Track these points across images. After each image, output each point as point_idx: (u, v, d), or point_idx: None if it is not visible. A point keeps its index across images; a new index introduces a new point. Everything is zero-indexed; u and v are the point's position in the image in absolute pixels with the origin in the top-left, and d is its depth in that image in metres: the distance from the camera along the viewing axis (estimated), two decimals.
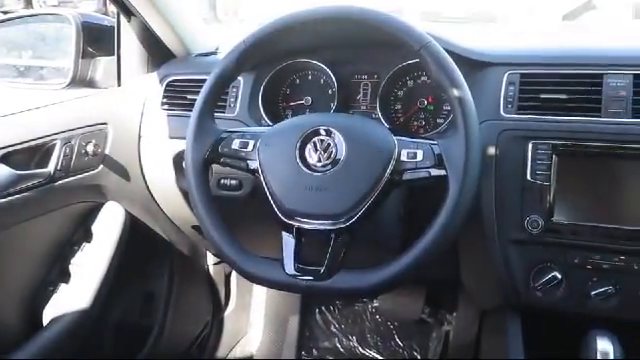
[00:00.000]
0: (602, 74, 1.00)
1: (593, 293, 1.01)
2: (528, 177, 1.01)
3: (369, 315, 1.95)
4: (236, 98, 1.25)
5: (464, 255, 1.23)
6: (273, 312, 1.96)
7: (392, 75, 1.18)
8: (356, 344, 1.92)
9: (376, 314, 1.94)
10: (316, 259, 0.92)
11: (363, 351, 1.90)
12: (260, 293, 1.98)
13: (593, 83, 1.01)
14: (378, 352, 1.90)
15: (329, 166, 0.91)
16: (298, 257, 0.91)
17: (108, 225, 1.37)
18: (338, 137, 0.91)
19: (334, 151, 0.91)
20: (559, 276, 1.02)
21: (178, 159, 1.30)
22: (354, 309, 1.97)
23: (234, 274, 1.92)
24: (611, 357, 0.89)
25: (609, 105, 0.99)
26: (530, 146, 1.01)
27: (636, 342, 1.03)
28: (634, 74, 0.99)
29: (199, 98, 1.00)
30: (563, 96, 1.02)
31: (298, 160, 0.92)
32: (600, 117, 0.99)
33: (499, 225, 1.03)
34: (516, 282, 1.05)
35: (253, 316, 2.00)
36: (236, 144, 0.98)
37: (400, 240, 1.09)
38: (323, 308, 1.98)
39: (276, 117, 1.25)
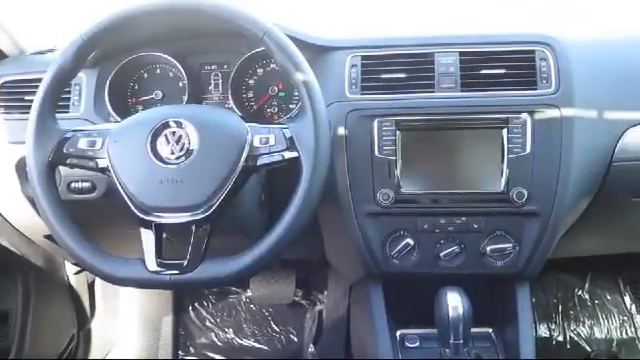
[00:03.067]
0: (433, 53, 1.09)
1: (442, 254, 1.10)
2: (376, 153, 1.07)
3: (243, 305, 1.97)
4: (80, 96, 1.19)
5: (326, 234, 1.28)
6: (144, 315, 1.91)
7: (241, 64, 1.19)
8: (233, 335, 1.92)
9: (250, 303, 1.96)
10: (179, 252, 0.92)
11: (241, 341, 1.92)
12: (129, 298, 1.92)
13: (425, 62, 1.09)
14: (256, 340, 1.92)
15: (183, 158, 0.90)
16: (160, 252, 0.91)
17: None
18: (189, 128, 0.91)
19: (186, 142, 0.90)
20: (412, 242, 1.10)
21: (21, 165, 1.21)
22: (228, 301, 1.98)
23: (98, 281, 1.83)
24: (460, 309, 0.98)
25: (441, 81, 1.08)
26: (376, 124, 1.07)
27: (480, 292, 1.15)
28: (459, 52, 1.08)
29: (36, 98, 0.94)
30: (401, 75, 1.09)
31: (150, 154, 0.91)
32: (434, 92, 1.07)
33: (354, 200, 1.08)
34: (374, 252, 1.11)
35: (123, 323, 1.92)
36: (83, 143, 0.94)
37: (263, 225, 1.12)
38: (196, 304, 1.96)
39: (126, 114, 1.20)
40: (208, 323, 1.95)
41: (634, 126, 1.09)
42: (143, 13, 0.94)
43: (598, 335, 1.91)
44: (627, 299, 1.96)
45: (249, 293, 1.93)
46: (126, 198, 0.91)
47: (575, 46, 1.11)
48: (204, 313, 1.96)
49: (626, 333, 1.91)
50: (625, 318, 1.93)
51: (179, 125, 0.92)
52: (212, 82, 1.24)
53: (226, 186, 0.89)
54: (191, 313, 1.95)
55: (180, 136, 0.91)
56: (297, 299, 1.92)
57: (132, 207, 0.91)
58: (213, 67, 1.25)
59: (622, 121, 1.10)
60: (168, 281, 0.90)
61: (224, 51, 1.23)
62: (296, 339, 1.91)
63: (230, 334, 1.93)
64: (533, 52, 1.08)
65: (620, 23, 1.26)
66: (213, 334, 1.93)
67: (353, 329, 1.60)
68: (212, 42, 1.22)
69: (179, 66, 1.20)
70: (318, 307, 1.92)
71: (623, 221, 1.33)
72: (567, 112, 1.04)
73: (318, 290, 1.92)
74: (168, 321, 1.89)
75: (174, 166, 0.90)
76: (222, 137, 0.91)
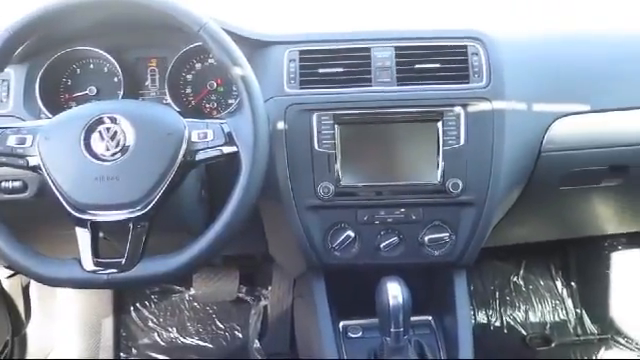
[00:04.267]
0: (369, 48, 1.11)
1: (382, 245, 1.12)
2: (316, 147, 1.08)
3: (187, 304, 1.95)
4: (8, 92, 1.15)
5: (268, 228, 1.28)
6: (84, 317, 1.86)
7: (178, 59, 1.18)
8: (176, 335, 1.90)
9: (193, 301, 1.94)
10: (117, 251, 0.90)
11: (185, 340, 1.90)
12: (66, 300, 1.86)
13: (362, 56, 1.10)
14: (200, 338, 1.91)
15: (118, 154, 0.89)
16: (96, 252, 0.89)
17: None
18: (124, 124, 0.89)
19: (122, 138, 0.89)
20: (352, 234, 1.12)
21: None
22: (171, 300, 1.95)
23: (33, 284, 1.77)
24: (400, 298, 1.00)
25: (378, 75, 1.10)
26: (315, 118, 1.08)
27: (420, 281, 1.18)
28: (395, 46, 1.11)
29: None
30: (339, 69, 1.10)
31: (84, 151, 0.89)
32: (371, 86, 1.09)
33: (295, 194, 1.09)
34: (316, 245, 1.12)
35: (62, 325, 1.87)
36: (12, 141, 0.91)
37: (203, 221, 1.11)
38: (138, 305, 1.92)
39: (58, 110, 1.16)
40: (150, 323, 1.92)
41: (560, 118, 1.15)
42: (74, 6, 0.91)
43: (532, 319, 1.99)
44: (558, 284, 2.06)
45: (192, 291, 1.91)
46: (60, 197, 0.89)
47: (505, 42, 1.15)
48: (146, 313, 1.93)
49: (558, 316, 2.00)
50: (557, 302, 2.03)
51: (113, 121, 0.90)
52: (149, 77, 1.22)
53: (164, 182, 0.88)
54: (132, 313, 1.91)
55: (115, 132, 0.89)
56: (241, 295, 1.92)
57: (66, 206, 0.89)
58: (150, 62, 1.22)
59: (549, 113, 1.15)
60: (106, 280, 0.88)
61: (161, 46, 1.21)
62: (241, 335, 1.90)
63: (173, 333, 1.90)
64: (465, 47, 1.11)
65: (546, 22, 1.31)
66: (156, 334, 1.90)
67: (297, 323, 1.61)
68: (148, 36, 1.20)
69: (113, 61, 1.17)
70: (263, 303, 1.92)
71: (552, 209, 1.40)
72: (498, 105, 1.08)
73: (262, 286, 1.92)
74: (108, 322, 1.85)
75: (109, 163, 0.88)
76: (159, 132, 0.90)
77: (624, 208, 1.49)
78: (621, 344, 1.91)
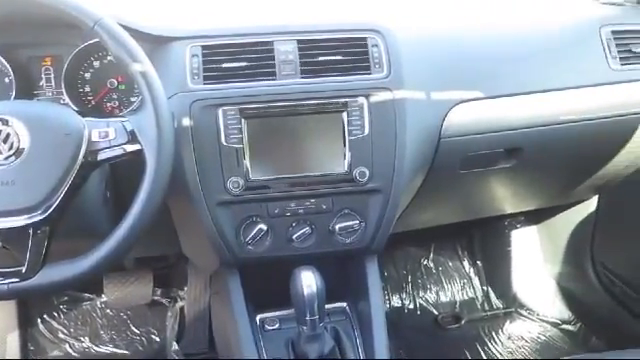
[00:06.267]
0: (272, 41, 1.12)
1: (295, 236, 1.13)
2: (223, 142, 1.07)
3: (99, 311, 1.88)
4: None
5: (180, 227, 1.26)
6: None
7: (75, 57, 1.13)
8: (89, 344, 1.83)
9: (106, 308, 1.87)
10: (17, 260, 0.86)
11: (98, 349, 1.83)
12: None
13: (266, 50, 1.11)
14: (115, 346, 1.85)
15: (12, 157, 0.84)
16: None
17: None
18: (17, 125, 0.85)
19: (15, 141, 0.84)
20: (265, 227, 1.12)
21: None
22: (82, 309, 1.88)
23: None
24: (314, 286, 1.02)
25: (282, 69, 1.11)
26: (221, 113, 1.07)
27: (334, 270, 1.21)
28: (297, 40, 1.12)
29: None
30: (243, 64, 1.10)
31: None
32: (276, 80, 1.10)
33: (204, 190, 1.08)
34: (228, 241, 1.12)
35: None
36: None
37: (109, 223, 1.07)
38: (46, 316, 1.84)
39: None
40: (61, 334, 1.83)
41: (456, 105, 1.21)
42: None
43: (443, 299, 2.09)
44: (465, 264, 2.17)
45: (104, 298, 1.84)
46: None
47: (404, 34, 1.19)
48: (55, 324, 1.84)
49: (466, 294, 2.11)
50: (465, 281, 2.14)
51: (5, 123, 0.85)
52: (43, 77, 1.17)
53: (64, 184, 0.85)
54: (40, 326, 1.82)
55: (8, 134, 0.85)
56: (156, 298, 1.87)
57: None
58: (44, 61, 1.17)
59: (446, 101, 1.21)
60: (6, 290, 0.84)
61: (55, 43, 1.16)
62: (158, 339, 1.86)
63: (86, 343, 1.83)
64: (365, 39, 1.14)
65: (442, 15, 1.37)
66: (67, 345, 1.82)
67: (214, 320, 1.60)
68: (41, 34, 1.14)
69: (3, 61, 1.11)
70: (179, 303, 1.88)
71: (455, 192, 1.47)
72: (399, 94, 1.12)
73: (178, 286, 1.89)
74: (14, 337, 1.75)
75: (3, 167, 0.84)
76: (56, 133, 0.86)
77: (520, 188, 1.59)
78: (524, 316, 2.04)
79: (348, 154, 1.11)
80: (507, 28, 1.35)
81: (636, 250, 1.66)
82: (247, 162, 1.09)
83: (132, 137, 0.89)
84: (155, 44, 1.10)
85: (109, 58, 1.17)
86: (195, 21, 1.20)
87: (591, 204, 1.79)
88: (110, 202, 1.10)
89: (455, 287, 2.12)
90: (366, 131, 1.11)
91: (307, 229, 1.14)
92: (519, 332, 1.97)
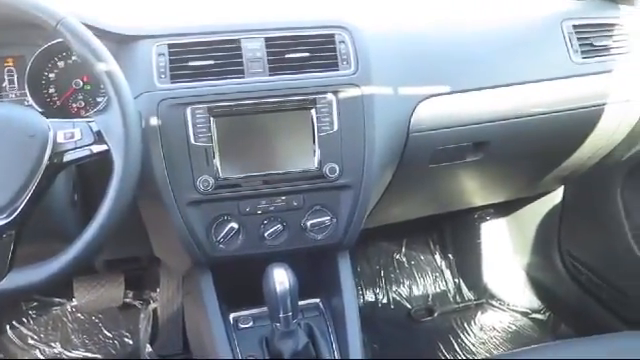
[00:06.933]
0: (239, 39, 1.11)
1: (266, 234, 1.13)
2: (192, 141, 1.07)
3: (70, 316, 1.85)
4: None
5: (151, 228, 1.25)
6: None
7: (38, 57, 1.11)
8: (61, 349, 1.80)
9: (77, 312, 1.85)
10: None
11: (70, 354, 1.81)
12: None
13: (233, 48, 1.11)
14: (87, 350, 1.82)
15: None
16: None
17: None
18: None
19: None
20: (236, 226, 1.12)
21: None
22: (52, 314, 1.85)
23: None
24: (286, 283, 1.02)
25: (250, 67, 1.11)
26: (189, 112, 1.07)
27: (306, 266, 1.21)
28: (265, 37, 1.12)
29: None
30: (210, 62, 1.09)
31: None
32: (244, 78, 1.10)
33: (174, 190, 1.07)
34: (200, 240, 1.11)
35: None
36: None
37: (77, 225, 1.06)
38: (15, 322, 1.80)
39: None
40: (30, 340, 1.80)
41: (424, 100, 1.22)
42: None
43: (416, 292, 2.12)
44: (437, 257, 2.20)
45: (74, 302, 1.81)
46: None
47: (371, 31, 1.20)
48: (25, 331, 1.81)
49: (439, 287, 2.14)
50: (437, 274, 2.16)
51: None
52: (6, 78, 1.14)
53: (30, 187, 0.84)
54: (9, 332, 1.78)
55: None
56: (128, 300, 1.86)
57: None
58: (5, 62, 1.14)
59: (414, 96, 1.22)
60: None
61: (18, 44, 1.13)
62: (131, 342, 1.84)
63: (57, 348, 1.80)
64: (333, 36, 1.15)
65: (408, 12, 1.38)
66: (37, 351, 1.79)
67: (188, 321, 1.59)
68: (2, 34, 1.11)
69: None
70: (152, 305, 1.87)
71: (425, 186, 1.49)
72: (367, 90, 1.13)
73: (150, 288, 1.88)
74: None
75: None
76: (19, 135, 0.85)
77: (488, 181, 1.62)
78: (495, 307, 2.08)
79: (318, 151, 1.11)
80: (472, 24, 1.37)
81: (600, 238, 1.71)
82: (217, 161, 1.08)
83: (99, 137, 0.88)
84: (121, 43, 1.09)
85: (74, 58, 1.15)
86: (161, 19, 1.19)
87: (557, 195, 1.83)
88: (78, 204, 1.08)
89: (427, 280, 2.14)
90: (335, 127, 1.11)
91: (279, 226, 1.14)
92: (490, 322, 2.01)
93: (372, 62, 1.15)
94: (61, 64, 1.16)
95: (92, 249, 0.86)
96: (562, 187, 1.81)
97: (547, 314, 1.99)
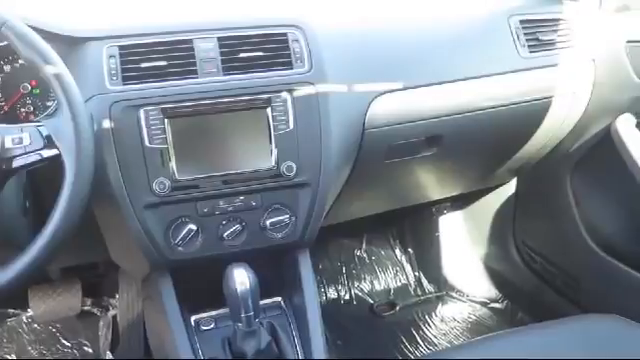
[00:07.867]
0: (191, 39, 1.10)
1: (225, 234, 1.13)
2: (147, 143, 1.05)
3: (25, 326, 1.81)
4: None
5: (107, 233, 1.23)
6: None
7: None
8: None
9: (33, 323, 1.80)
10: None
11: None
12: None
13: (185, 48, 1.10)
14: None
15: None
16: None
17: None
18: None
19: None
20: (194, 227, 1.11)
21: None
22: (6, 326, 1.80)
23: None
24: (247, 283, 1.02)
25: (203, 67, 1.10)
26: (142, 114, 1.05)
27: (267, 265, 1.21)
28: (218, 37, 1.11)
29: None
30: (162, 63, 1.08)
31: None
32: (198, 78, 1.09)
33: (129, 193, 1.05)
34: (158, 243, 1.10)
35: None
36: None
37: (29, 233, 1.03)
38: None
39: None
40: None
41: (377, 96, 1.24)
42: None
43: (378, 287, 2.14)
44: (397, 251, 2.23)
45: (30, 312, 1.77)
46: None
47: (324, 29, 1.21)
48: None
49: (400, 281, 2.17)
50: (398, 268, 2.19)
51: None
52: None
53: None
54: None
55: None
56: (87, 308, 1.82)
57: None
58: None
59: (368, 93, 1.24)
60: None
61: None
62: (91, 350, 1.80)
63: None
64: (286, 34, 1.15)
65: (362, 9, 1.40)
66: None
67: (149, 326, 1.56)
68: None
69: None
70: (111, 312, 1.84)
71: (382, 182, 1.51)
72: (321, 88, 1.14)
73: (109, 294, 1.84)
74: None
75: None
76: None
77: (443, 175, 1.65)
78: (455, 298, 2.12)
79: (274, 149, 1.11)
80: (423, 21, 1.40)
81: (553, 227, 1.76)
82: (172, 162, 1.07)
83: (48, 142, 0.86)
84: (69, 45, 1.07)
85: (21, 62, 1.12)
86: (111, 20, 1.18)
87: (511, 186, 1.88)
88: (30, 211, 1.05)
89: (388, 275, 2.17)
90: (291, 126, 1.12)
91: (237, 226, 1.13)
92: (451, 314, 2.05)
93: (326, 60, 1.16)
94: (7, 68, 1.12)
95: (45, 257, 0.84)
96: (515, 179, 1.86)
97: (505, 303, 2.04)
